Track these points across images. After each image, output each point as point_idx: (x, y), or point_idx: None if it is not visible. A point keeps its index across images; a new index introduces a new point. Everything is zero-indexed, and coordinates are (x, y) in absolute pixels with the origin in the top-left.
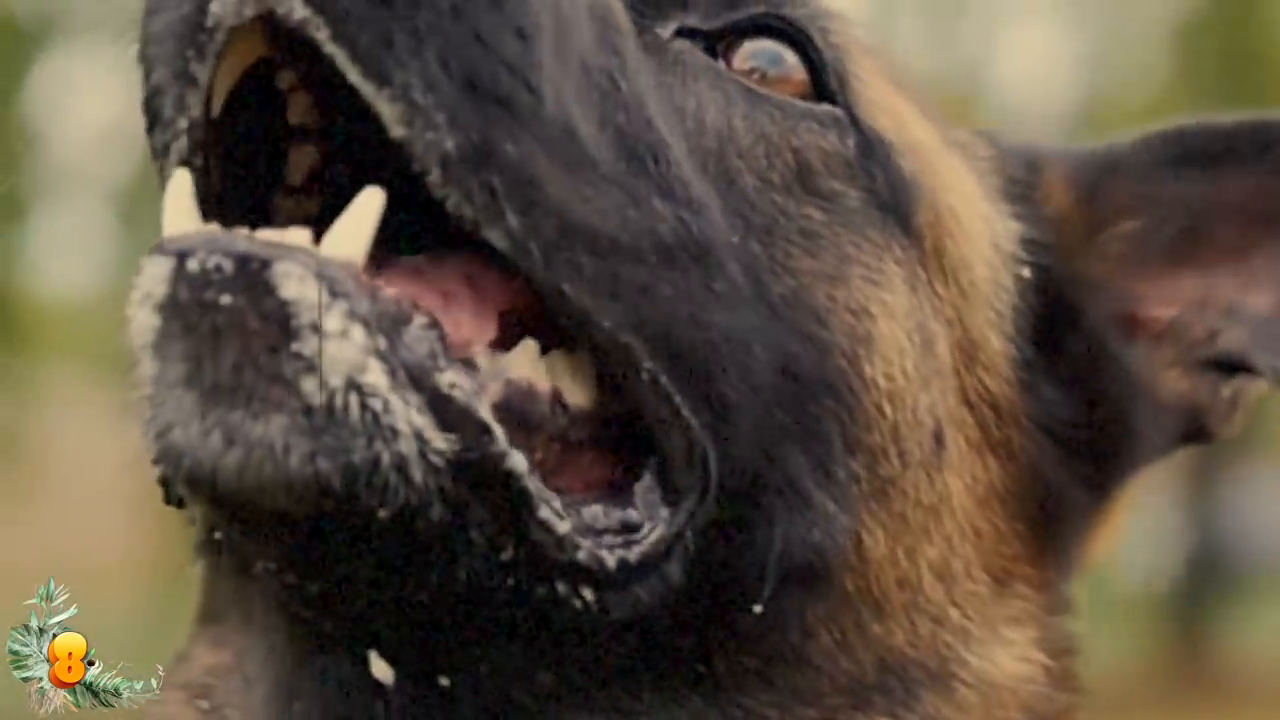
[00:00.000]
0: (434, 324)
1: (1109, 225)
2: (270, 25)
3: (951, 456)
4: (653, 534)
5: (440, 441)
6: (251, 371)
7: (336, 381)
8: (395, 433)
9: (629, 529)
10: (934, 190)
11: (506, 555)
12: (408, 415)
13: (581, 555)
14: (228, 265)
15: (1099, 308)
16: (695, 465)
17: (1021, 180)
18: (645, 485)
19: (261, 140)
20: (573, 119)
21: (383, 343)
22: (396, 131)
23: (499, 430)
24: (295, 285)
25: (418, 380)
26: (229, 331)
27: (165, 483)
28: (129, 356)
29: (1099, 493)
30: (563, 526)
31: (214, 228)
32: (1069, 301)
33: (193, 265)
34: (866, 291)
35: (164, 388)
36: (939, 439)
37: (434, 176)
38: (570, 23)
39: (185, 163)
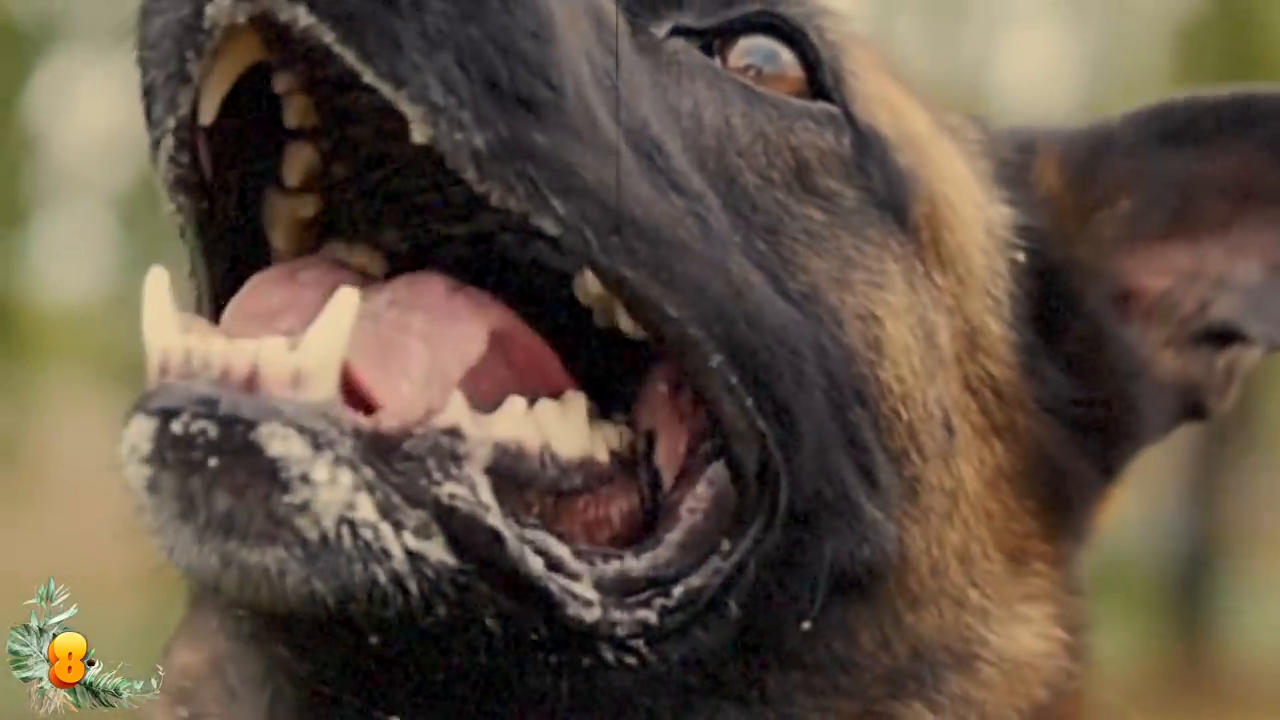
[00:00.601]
0: (431, 437)
1: (1103, 206)
2: (268, 29)
3: (959, 442)
4: (697, 574)
5: (436, 554)
6: (244, 515)
7: (329, 522)
8: (387, 554)
9: (660, 581)
10: (930, 182)
11: (538, 636)
12: (399, 537)
13: (620, 630)
14: (212, 430)
15: (1096, 290)
16: (767, 484)
17: (1014, 163)
18: (686, 526)
19: (256, 140)
20: (596, 111)
21: (370, 474)
22: (423, 131)
23: (509, 533)
24: (280, 444)
25: (416, 498)
26: (219, 484)
27: None
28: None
29: (1105, 469)
30: (592, 614)
31: (194, 345)
32: (1066, 285)
33: (177, 428)
34: (871, 295)
35: (161, 519)
36: (948, 427)
37: (470, 174)
38: (575, 21)
39: (172, 160)
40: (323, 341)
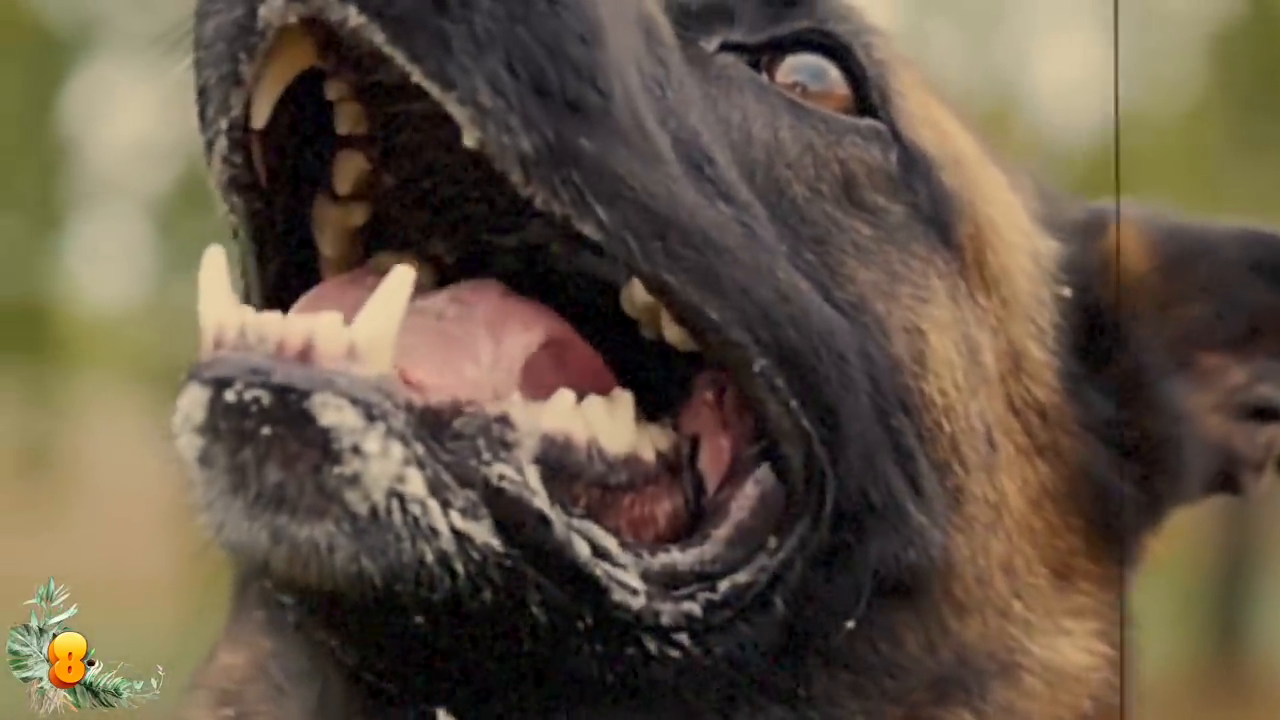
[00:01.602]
0: (482, 419)
1: (1182, 302)
2: (321, 34)
3: (1002, 459)
4: (744, 571)
5: (482, 535)
6: (295, 487)
7: (378, 495)
8: (435, 532)
9: (707, 576)
10: (974, 203)
11: (584, 624)
12: (447, 516)
13: (665, 620)
14: (266, 399)
15: (1152, 359)
16: (813, 484)
17: (1081, 223)
18: (733, 523)
19: (308, 147)
20: (644, 117)
21: (421, 450)
22: (471, 134)
23: (556, 517)
24: (333, 414)
25: (465, 477)
26: (271, 455)
27: None
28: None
29: (1153, 497)
30: (638, 602)
31: (248, 320)
32: (1124, 346)
33: (230, 397)
34: (917, 309)
35: (213, 493)
36: (991, 442)
37: (516, 177)
38: (625, 30)
39: (226, 160)
40: (378, 316)
